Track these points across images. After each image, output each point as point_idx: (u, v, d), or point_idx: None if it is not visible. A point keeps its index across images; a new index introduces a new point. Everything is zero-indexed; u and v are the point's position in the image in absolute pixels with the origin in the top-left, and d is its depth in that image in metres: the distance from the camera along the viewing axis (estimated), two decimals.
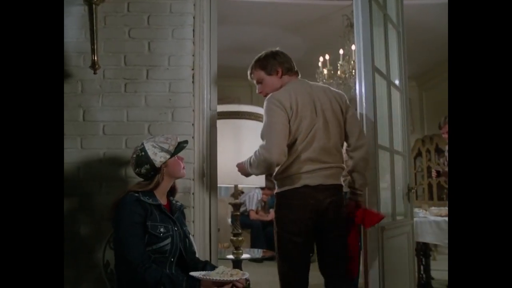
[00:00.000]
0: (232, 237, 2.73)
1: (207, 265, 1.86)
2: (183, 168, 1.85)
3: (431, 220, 3.40)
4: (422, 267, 3.78)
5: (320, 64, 5.33)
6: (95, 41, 2.14)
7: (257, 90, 2.23)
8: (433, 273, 3.84)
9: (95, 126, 2.26)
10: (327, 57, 5.20)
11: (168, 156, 1.78)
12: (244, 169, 2.12)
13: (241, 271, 1.69)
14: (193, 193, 2.24)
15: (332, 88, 2.21)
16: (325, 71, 5.23)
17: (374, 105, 2.33)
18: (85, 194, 2.20)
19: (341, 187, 2.13)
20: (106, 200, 2.07)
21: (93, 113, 2.26)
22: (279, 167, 2.05)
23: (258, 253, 3.35)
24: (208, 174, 2.26)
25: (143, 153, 1.76)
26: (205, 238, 2.23)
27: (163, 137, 1.83)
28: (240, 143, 2.65)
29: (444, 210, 3.62)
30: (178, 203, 1.92)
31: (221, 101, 2.48)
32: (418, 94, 7.71)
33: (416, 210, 3.56)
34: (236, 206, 2.77)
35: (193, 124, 2.28)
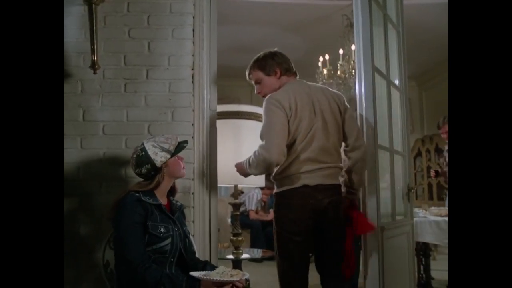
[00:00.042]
0: (232, 237, 2.74)
1: (207, 265, 1.86)
2: (183, 168, 1.86)
3: (431, 220, 3.40)
4: (422, 267, 3.77)
5: (320, 64, 5.33)
6: (95, 41, 2.14)
7: (255, 91, 2.24)
8: (433, 273, 3.84)
9: (95, 126, 2.26)
10: (327, 57, 5.20)
11: (168, 156, 1.78)
12: (243, 169, 2.12)
13: (241, 272, 1.69)
14: (193, 193, 2.24)
15: (330, 89, 2.22)
16: (325, 71, 5.23)
17: (374, 105, 2.33)
18: (85, 194, 2.21)
19: (339, 187, 2.15)
20: (106, 200, 2.07)
21: (93, 113, 2.26)
22: (278, 167, 2.05)
23: (257, 253, 3.35)
24: (208, 174, 2.26)
25: (143, 153, 1.76)
26: (205, 238, 2.23)
27: (163, 137, 1.83)
28: (240, 143, 2.65)
29: (444, 210, 3.62)
30: (178, 203, 1.92)
31: (221, 101, 2.48)
32: (418, 94, 7.71)
33: (416, 210, 3.55)
34: (236, 206, 2.77)
35: (193, 124, 2.28)
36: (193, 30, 2.33)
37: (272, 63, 2.15)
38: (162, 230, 1.71)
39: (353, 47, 4.29)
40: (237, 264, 2.67)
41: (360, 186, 2.23)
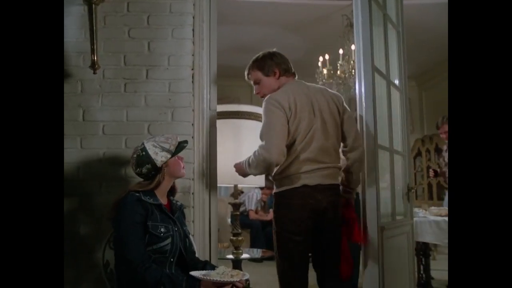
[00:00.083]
0: (231, 237, 2.74)
1: (206, 265, 1.86)
2: (183, 168, 1.86)
3: (431, 220, 3.40)
4: (422, 267, 3.78)
5: (319, 64, 5.34)
6: (94, 41, 2.14)
7: (254, 91, 2.24)
8: (433, 273, 3.84)
9: (95, 126, 2.26)
10: (326, 57, 5.20)
11: (169, 156, 1.78)
12: (242, 170, 2.13)
13: (242, 272, 1.69)
14: (193, 193, 2.24)
15: (329, 90, 2.23)
16: (325, 71, 5.24)
17: (374, 104, 2.33)
18: (85, 194, 2.20)
19: (338, 187, 2.16)
20: (106, 200, 2.07)
21: (92, 113, 2.26)
22: (278, 167, 2.05)
23: (257, 253, 3.35)
24: (208, 174, 2.26)
25: (144, 153, 1.76)
26: (205, 238, 2.23)
27: (164, 137, 1.83)
28: (240, 143, 2.65)
29: (444, 210, 3.62)
30: (178, 202, 1.92)
31: (221, 101, 2.48)
32: (417, 94, 7.71)
33: (416, 210, 3.55)
34: (236, 206, 2.77)
35: (192, 124, 2.28)
36: (193, 30, 2.33)
37: (271, 63, 2.15)
38: (162, 230, 1.71)
39: (353, 47, 4.29)
40: (237, 264, 2.67)
41: (356, 186, 2.26)
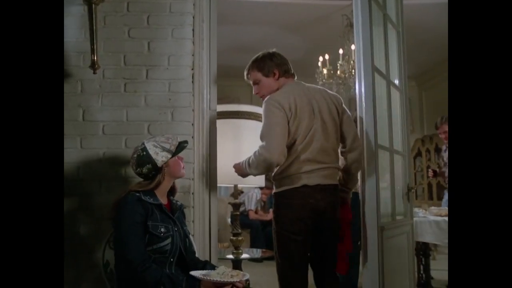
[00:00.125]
0: (231, 237, 2.74)
1: (206, 265, 1.86)
2: (183, 168, 1.86)
3: (431, 220, 3.40)
4: (421, 267, 3.78)
5: (319, 64, 5.34)
6: (94, 41, 2.14)
7: (253, 91, 2.24)
8: (433, 273, 3.84)
9: (94, 126, 2.26)
10: (326, 57, 5.20)
11: (169, 156, 1.78)
12: (242, 170, 2.13)
13: (242, 272, 1.69)
14: (193, 193, 2.24)
15: (328, 91, 2.25)
16: (325, 71, 5.24)
17: (374, 104, 2.32)
18: (85, 194, 2.20)
19: (338, 187, 2.17)
20: (106, 200, 2.07)
21: (92, 113, 2.26)
22: (277, 167, 2.05)
23: (257, 253, 3.35)
24: (207, 174, 2.26)
25: (144, 153, 1.76)
26: (205, 238, 2.24)
27: (164, 137, 1.83)
28: (240, 143, 2.65)
29: (444, 210, 3.62)
30: (178, 202, 1.92)
31: (220, 101, 2.48)
32: (417, 94, 7.72)
33: (415, 209, 3.55)
34: (236, 206, 2.77)
35: (192, 124, 2.28)
36: (193, 30, 2.33)
37: (271, 64, 2.15)
38: (162, 230, 1.71)
39: (353, 47, 4.29)
40: (237, 264, 2.67)
41: (354, 186, 2.29)
